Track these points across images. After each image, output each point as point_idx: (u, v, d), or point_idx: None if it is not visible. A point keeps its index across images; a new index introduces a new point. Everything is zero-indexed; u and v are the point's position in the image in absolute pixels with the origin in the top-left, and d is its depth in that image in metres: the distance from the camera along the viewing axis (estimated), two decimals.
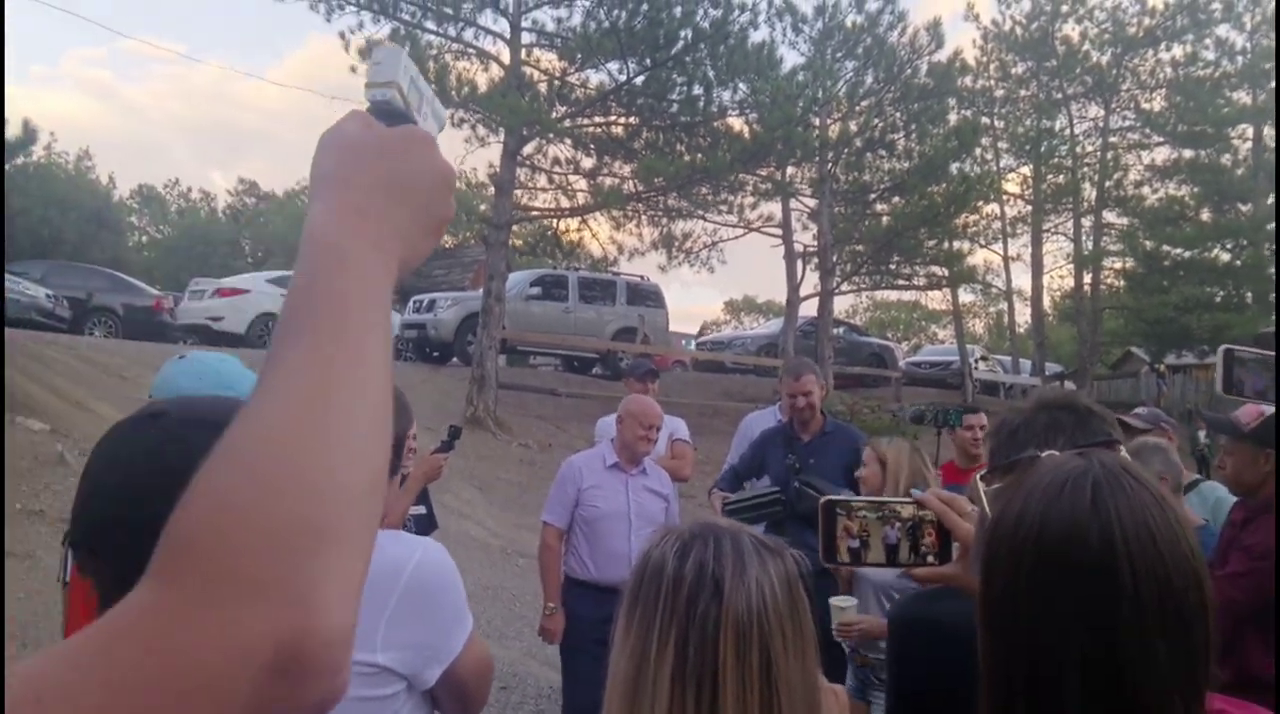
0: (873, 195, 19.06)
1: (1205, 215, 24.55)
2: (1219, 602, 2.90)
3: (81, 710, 0.43)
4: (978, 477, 1.15)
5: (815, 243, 18.47)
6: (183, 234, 45.02)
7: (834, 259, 18.39)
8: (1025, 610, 0.94)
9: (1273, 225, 23.62)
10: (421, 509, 4.21)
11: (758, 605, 1.04)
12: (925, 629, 1.63)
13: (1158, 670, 0.89)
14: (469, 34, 14.49)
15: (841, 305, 26.30)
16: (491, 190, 14.69)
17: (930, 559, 1.27)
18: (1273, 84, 23.99)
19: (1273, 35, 24.18)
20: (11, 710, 0.42)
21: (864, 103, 18.07)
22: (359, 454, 0.53)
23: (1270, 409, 2.68)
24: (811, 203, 18.70)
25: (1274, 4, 20.97)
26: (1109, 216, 25.29)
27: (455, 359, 16.55)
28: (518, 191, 15.03)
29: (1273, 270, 24.35)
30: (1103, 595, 0.90)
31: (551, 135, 14.66)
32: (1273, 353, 1.79)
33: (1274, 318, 20.74)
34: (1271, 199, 24.50)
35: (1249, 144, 25.03)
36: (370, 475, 0.53)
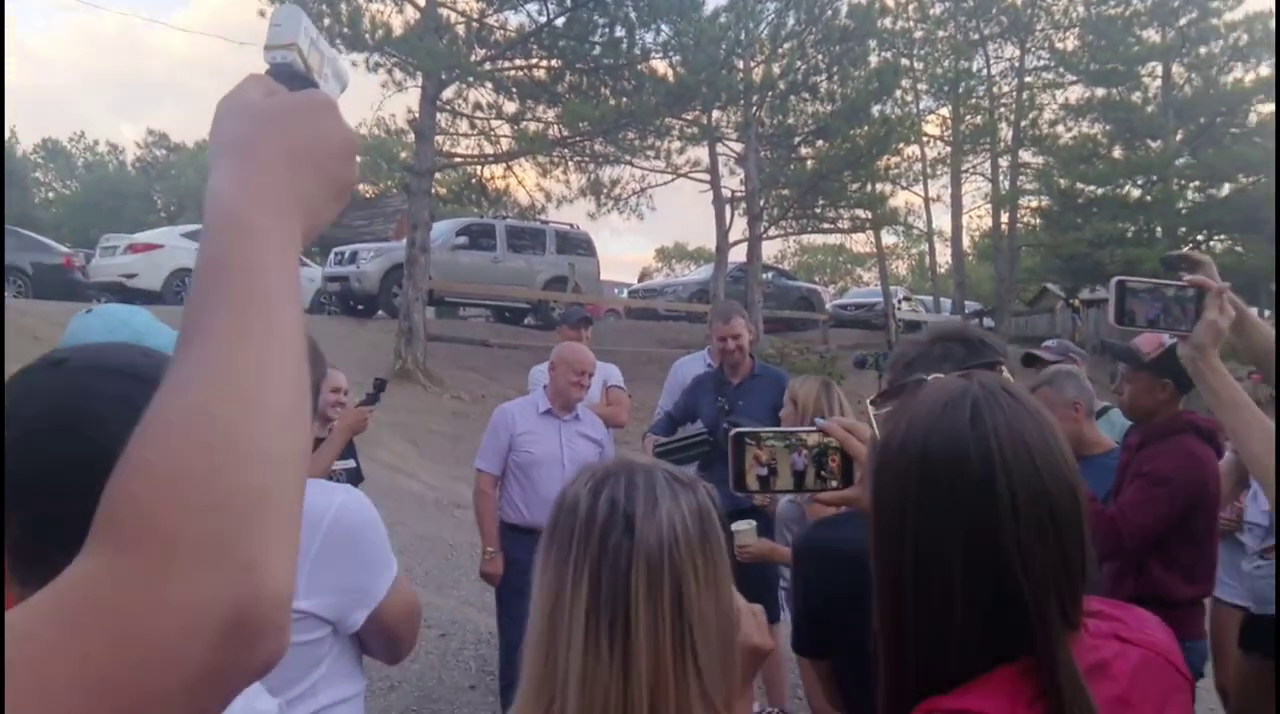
0: (797, 139, 19.12)
1: (1117, 152, 25.24)
2: (1126, 528, 3.01)
3: (46, 681, 0.44)
4: (868, 401, 1.19)
5: (743, 188, 18.51)
6: (91, 189, 43.24)
7: (761, 204, 18.47)
8: (913, 522, 0.99)
9: (1181, 160, 24.43)
10: (350, 462, 4.20)
11: (669, 539, 1.06)
12: (825, 554, 1.70)
13: (1035, 573, 0.95)
14: None
15: (770, 250, 26.56)
16: (411, 137, 14.37)
17: (834, 484, 1.32)
18: (1183, 21, 24.62)
19: None
20: None
21: (786, 45, 18.02)
22: (287, 421, 0.54)
23: (1170, 339, 2.77)
24: (738, 147, 18.69)
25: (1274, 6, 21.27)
26: (1025, 156, 25.88)
27: (381, 312, 16.29)
28: (439, 138, 14.71)
29: (1181, 204, 25.25)
30: (983, 505, 0.96)
31: (472, 79, 14.33)
32: (1168, 281, 1.79)
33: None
34: (1180, 135, 25.29)
35: (1158, 82, 25.71)
36: (298, 441, 0.55)
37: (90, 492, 0.89)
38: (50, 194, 46.18)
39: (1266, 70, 24.95)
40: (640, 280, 35.30)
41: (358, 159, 0.71)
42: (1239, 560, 4.10)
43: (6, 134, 37.95)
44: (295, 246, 0.62)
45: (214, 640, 0.47)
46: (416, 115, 13.90)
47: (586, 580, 1.05)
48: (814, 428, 1.33)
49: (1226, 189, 25.48)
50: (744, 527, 3.71)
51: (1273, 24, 24.44)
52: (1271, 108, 24.90)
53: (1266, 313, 27.57)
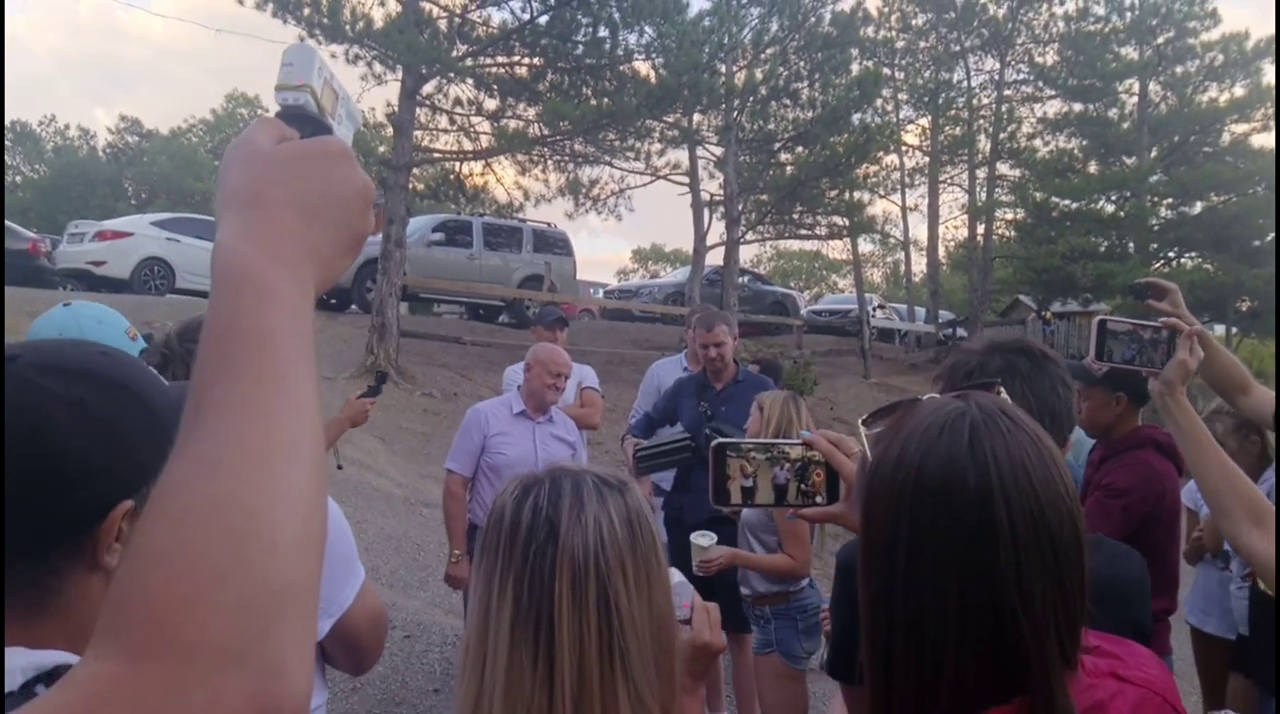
0: (777, 144, 19.16)
1: (1092, 167, 25.52)
2: None
3: None
4: (860, 421, 1.15)
5: (721, 192, 18.52)
6: (60, 173, 42.60)
7: (739, 208, 18.49)
8: (905, 550, 0.95)
9: (1155, 177, 24.76)
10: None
11: (594, 544, 1.04)
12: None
13: (1034, 605, 0.90)
14: None
15: (747, 254, 26.63)
16: (389, 131, 14.23)
17: (818, 499, 1.28)
18: (1160, 39, 24.95)
19: None
20: None
21: (769, 50, 18.06)
22: (309, 503, 0.51)
23: None
24: (718, 151, 18.71)
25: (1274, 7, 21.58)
26: (1002, 168, 26.10)
27: (354, 306, 16.13)
28: (418, 133, 14.58)
29: (1153, 221, 25.57)
30: (980, 534, 0.91)
31: (452, 75, 14.21)
32: (1145, 323, 1.89)
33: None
34: (1154, 152, 25.62)
35: (1134, 99, 26.03)
36: (320, 524, 0.52)
37: (39, 499, 0.83)
38: (18, 178, 45.45)
39: (1241, 91, 25.35)
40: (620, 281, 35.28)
41: (372, 207, 0.67)
42: (1215, 588, 4.12)
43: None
44: (308, 305, 0.59)
45: None
46: (395, 109, 13.76)
47: (511, 589, 1.04)
48: (798, 441, 1.29)
49: (1198, 207, 25.85)
50: (704, 542, 3.67)
51: (1248, 45, 24.86)
52: (1244, 128, 25.32)
53: (1234, 331, 28.04)
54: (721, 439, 1.32)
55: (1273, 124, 22.79)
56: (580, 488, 1.09)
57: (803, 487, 1.28)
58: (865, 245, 31.41)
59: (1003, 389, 1.11)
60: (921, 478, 0.94)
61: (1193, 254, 27.08)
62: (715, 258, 18.94)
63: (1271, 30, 21.76)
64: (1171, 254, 27.33)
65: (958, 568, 0.91)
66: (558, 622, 1.01)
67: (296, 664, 0.47)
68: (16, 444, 0.81)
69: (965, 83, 25.56)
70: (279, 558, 0.47)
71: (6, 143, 45.20)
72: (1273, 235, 21.61)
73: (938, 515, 0.93)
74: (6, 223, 17.00)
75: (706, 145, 18.70)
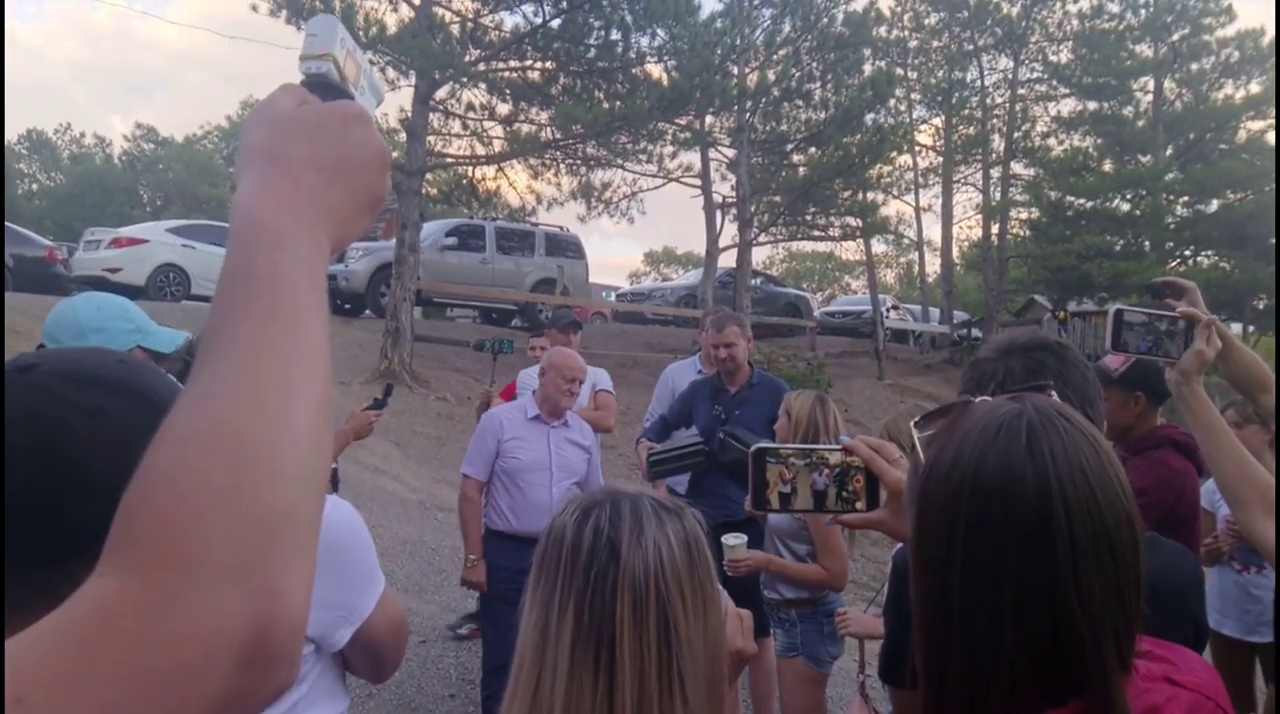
0: (789, 146, 19.12)
1: (1107, 166, 25.37)
2: None
3: (65, 707, 0.42)
4: (911, 423, 1.13)
5: (734, 194, 18.50)
6: (76, 181, 42.96)
7: (752, 210, 18.46)
8: (961, 553, 0.93)
9: (1171, 175, 24.61)
10: (332, 464, 4.13)
11: (655, 567, 1.05)
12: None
13: (1092, 608, 0.89)
14: None
15: (759, 256, 26.60)
16: (403, 136, 14.26)
17: (859, 505, 1.26)
18: (1175, 37, 24.80)
19: None
20: None
21: (781, 51, 18.03)
22: (312, 439, 0.53)
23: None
24: (730, 153, 18.69)
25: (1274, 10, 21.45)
26: (1016, 167, 25.97)
27: (368, 311, 16.18)
28: (431, 137, 14.62)
29: (1169, 219, 25.41)
30: (1039, 536, 0.90)
31: (465, 79, 14.25)
32: (1162, 313, 1.89)
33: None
34: (1170, 150, 25.46)
35: (1149, 96, 25.88)
36: (322, 460, 0.54)
37: (56, 506, 0.82)
38: (34, 186, 45.86)
39: (1257, 87, 25.15)
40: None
41: (389, 169, 0.69)
42: (1232, 589, 4.08)
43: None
44: (323, 257, 0.61)
45: (233, 668, 0.46)
46: (409, 114, 13.81)
47: (572, 610, 1.04)
48: (836, 446, 1.27)
49: (1214, 205, 25.67)
50: (735, 541, 3.65)
51: (1264, 42, 24.67)
52: (1260, 124, 25.12)
53: (1251, 329, 27.81)
54: (760, 445, 1.30)
55: None
56: (640, 510, 1.10)
57: (843, 493, 1.27)
58: (879, 246, 31.35)
59: (1054, 392, 1.10)
60: (979, 479, 0.93)
61: (1209, 252, 26.89)
62: (728, 260, 18.93)
63: None
64: (1188, 252, 27.14)
65: (1015, 569, 0.90)
66: (619, 644, 1.01)
67: (294, 586, 0.49)
68: (35, 453, 0.81)
69: (979, 82, 25.45)
70: (279, 484, 0.49)
71: (23, 151, 45.60)
72: None
73: (995, 516, 0.91)
74: (24, 231, 17.15)
75: (719, 147, 18.70)
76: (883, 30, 22.37)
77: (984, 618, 0.91)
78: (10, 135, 43.79)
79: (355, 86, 0.70)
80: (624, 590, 1.03)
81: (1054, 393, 1.09)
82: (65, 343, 2.15)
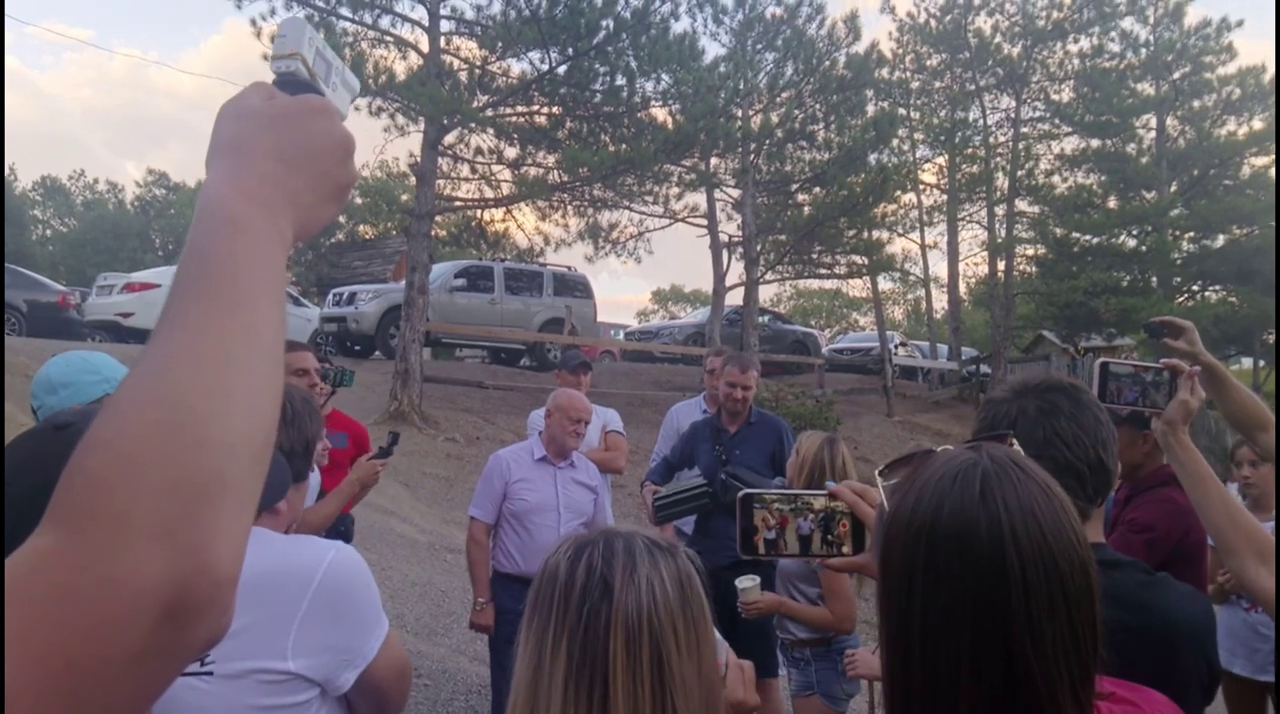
0: (794, 186, 19.27)
1: (1112, 202, 25.43)
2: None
3: None
4: (876, 471, 1.18)
5: (740, 233, 18.61)
6: (89, 227, 43.39)
7: (758, 249, 18.57)
8: (920, 598, 0.97)
9: (1176, 211, 24.65)
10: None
11: (648, 604, 1.06)
12: None
13: (1046, 651, 0.92)
14: (386, 21, 14.20)
15: (766, 294, 26.64)
16: (413, 180, 14.45)
17: (844, 549, 1.29)
18: (1176, 74, 24.98)
19: (1175, 28, 25.15)
20: None
21: (784, 94, 18.23)
22: (250, 412, 0.56)
23: None
24: (735, 193, 18.82)
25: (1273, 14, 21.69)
26: (1021, 205, 26.01)
27: (378, 353, 16.25)
28: (440, 181, 14.80)
29: (1175, 255, 25.41)
30: (993, 582, 0.93)
31: (473, 125, 14.45)
32: (1147, 364, 1.92)
33: None
34: (1174, 186, 25.54)
35: (1152, 133, 26.01)
36: (261, 432, 0.56)
37: None
38: (48, 232, 46.36)
39: (1259, 124, 25.28)
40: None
41: (354, 158, 0.73)
42: (1240, 628, 4.06)
43: (6, 171, 38.32)
44: (283, 243, 0.65)
45: (156, 620, 0.49)
46: (418, 159, 14.00)
47: (565, 647, 1.05)
48: (822, 491, 1.30)
49: (1220, 240, 25.68)
50: (749, 584, 3.68)
51: (1265, 78, 24.84)
52: (1264, 160, 25.21)
53: (1262, 363, 27.68)
54: (747, 490, 1.33)
55: None
56: (633, 548, 1.11)
57: (828, 537, 1.29)
58: (885, 283, 31.38)
59: (1015, 440, 1.14)
60: (935, 526, 0.96)
61: (1217, 287, 26.85)
62: (735, 298, 18.98)
63: None
64: (1195, 288, 27.11)
65: (970, 613, 0.93)
66: (612, 680, 1.02)
67: (219, 549, 0.51)
68: None
69: (981, 121, 25.61)
70: (209, 451, 0.52)
71: (37, 198, 46.14)
72: None
73: (951, 562, 0.95)
74: (37, 276, 17.34)
75: (724, 188, 18.84)
76: (884, 72, 22.56)
77: (943, 662, 0.94)
78: (25, 182, 44.38)
79: (326, 83, 0.74)
80: (617, 627, 1.04)
81: (1014, 442, 1.12)
82: (42, 399, 2.34)
